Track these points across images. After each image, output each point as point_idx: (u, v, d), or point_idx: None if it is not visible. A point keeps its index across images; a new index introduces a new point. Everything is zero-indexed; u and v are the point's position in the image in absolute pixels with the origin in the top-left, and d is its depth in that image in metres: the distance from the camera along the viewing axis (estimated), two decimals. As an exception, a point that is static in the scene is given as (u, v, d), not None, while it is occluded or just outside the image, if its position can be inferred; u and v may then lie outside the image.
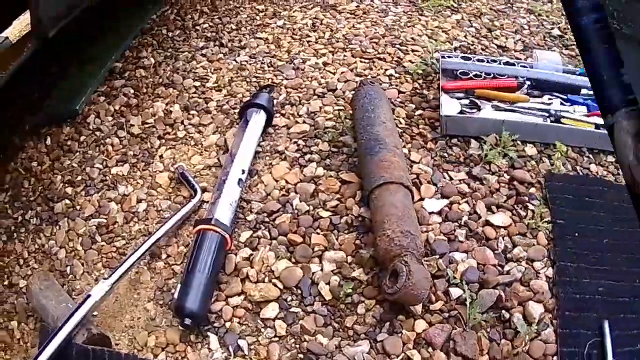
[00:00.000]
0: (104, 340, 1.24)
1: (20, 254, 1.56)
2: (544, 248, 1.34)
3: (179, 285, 1.26)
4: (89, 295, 1.23)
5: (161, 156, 1.65)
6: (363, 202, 1.41)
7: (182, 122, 1.74)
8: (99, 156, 1.70)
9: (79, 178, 1.66)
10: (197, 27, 2.07)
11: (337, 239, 1.36)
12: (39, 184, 1.70)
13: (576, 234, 1.39)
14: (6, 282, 1.52)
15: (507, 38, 1.92)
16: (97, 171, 1.66)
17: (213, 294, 1.29)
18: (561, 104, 1.66)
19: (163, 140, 1.70)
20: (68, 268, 1.45)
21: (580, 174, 1.54)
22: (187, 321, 1.22)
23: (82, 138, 1.78)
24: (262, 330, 1.25)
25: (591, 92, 1.69)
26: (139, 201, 1.54)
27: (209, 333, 1.24)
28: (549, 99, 1.66)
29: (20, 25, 1.91)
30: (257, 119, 1.59)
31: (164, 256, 1.41)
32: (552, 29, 2.01)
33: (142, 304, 1.33)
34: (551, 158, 1.55)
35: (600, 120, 1.61)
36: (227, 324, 1.26)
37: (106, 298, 1.27)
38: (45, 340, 1.15)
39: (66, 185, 1.66)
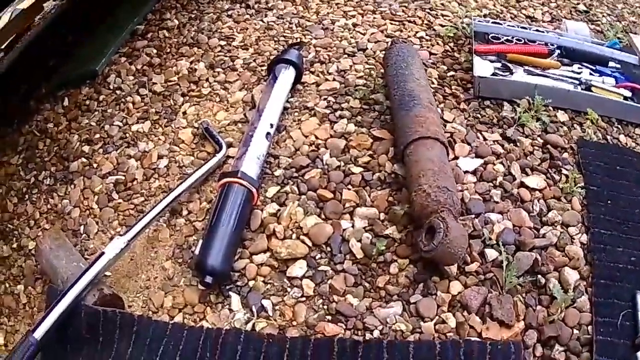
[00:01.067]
0: (116, 302, 1.08)
1: (31, 215, 1.41)
2: (578, 213, 1.19)
3: (200, 241, 1.11)
4: (102, 253, 1.07)
5: (184, 113, 1.48)
6: (396, 158, 1.24)
7: (207, 80, 1.56)
8: (118, 114, 1.54)
9: (97, 136, 1.49)
10: (222, -11, 1.90)
11: (369, 195, 1.20)
12: (55, 144, 1.55)
13: (609, 202, 1.24)
14: (15, 245, 1.38)
15: (534, 9, 1.77)
16: (116, 129, 1.49)
17: (237, 251, 1.13)
18: (590, 73, 1.52)
19: (187, 97, 1.52)
20: (82, 227, 1.30)
21: (611, 143, 1.40)
22: (208, 279, 1.05)
23: (101, 97, 1.62)
24: (288, 289, 1.09)
25: (618, 65, 1.57)
26: (160, 157, 1.37)
27: (230, 292, 1.08)
28: (579, 67, 1.52)
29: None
30: (286, 74, 1.42)
31: (184, 212, 1.25)
32: (578, 4, 1.86)
33: (160, 263, 1.17)
34: (582, 125, 1.40)
35: (626, 92, 1.48)
36: (251, 283, 1.10)
37: (121, 256, 1.10)
38: (53, 302, 0.98)
39: (83, 144, 1.49)
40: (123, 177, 1.37)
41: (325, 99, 1.41)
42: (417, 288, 1.06)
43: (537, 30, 1.57)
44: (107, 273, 1.15)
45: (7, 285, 1.31)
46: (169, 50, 1.71)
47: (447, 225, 1.01)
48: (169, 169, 1.35)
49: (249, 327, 1.04)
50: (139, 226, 1.13)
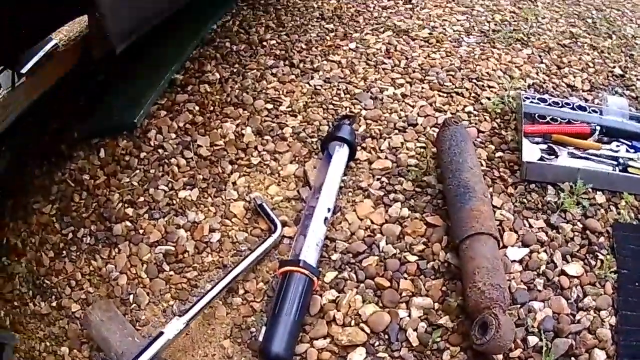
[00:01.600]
0: None
1: (71, 274, 1.50)
2: (610, 297, 1.39)
3: (263, 327, 1.25)
4: (161, 333, 1.19)
5: (234, 183, 1.61)
6: (449, 248, 1.43)
7: (255, 148, 1.69)
8: (163, 177, 1.61)
9: (141, 199, 1.58)
10: (264, 43, 2.02)
11: (424, 285, 1.38)
12: (93, 200, 1.61)
13: (637, 284, 1.48)
14: (54, 304, 1.47)
15: (574, 76, 1.93)
16: (162, 193, 1.58)
17: (298, 336, 1.28)
18: (627, 150, 1.72)
19: (235, 166, 1.64)
20: (131, 297, 1.41)
21: (644, 225, 1.61)
22: None
23: (142, 155, 1.71)
24: None
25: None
26: (212, 230, 1.49)
27: None
28: (617, 145, 1.72)
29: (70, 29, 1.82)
30: (341, 153, 1.57)
31: (241, 292, 1.39)
32: (614, 67, 2.02)
33: (217, 341, 1.31)
34: (618, 206, 1.61)
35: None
36: None
37: (179, 336, 1.24)
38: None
39: (126, 205, 1.58)
40: (173, 248, 1.48)
41: (378, 179, 1.59)
42: (465, 375, 1.24)
43: (579, 107, 1.74)
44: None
45: (48, 343, 1.41)
46: (212, 108, 1.83)
47: (499, 321, 1.22)
48: (222, 244, 1.48)
49: None
50: (197, 307, 1.26)
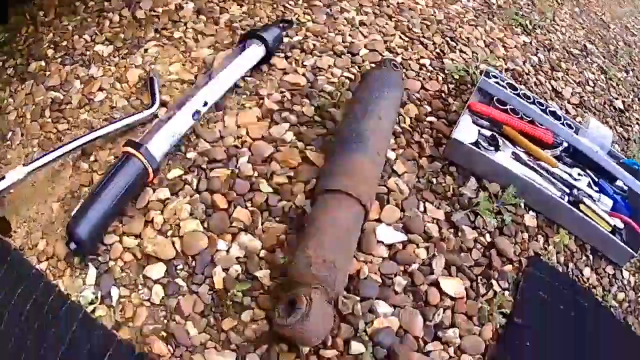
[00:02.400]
0: (3, 224, 0.86)
1: None
2: (484, 343, 0.79)
3: (80, 202, 0.84)
4: (3, 177, 0.84)
5: (146, 50, 1.10)
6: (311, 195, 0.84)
7: (185, 24, 1.15)
8: (92, 28, 1.17)
9: (64, 43, 1.15)
10: None
11: (262, 223, 0.83)
12: (31, 37, 1.21)
13: (528, 343, 0.80)
14: None
15: (566, 85, 1.19)
16: (82, 42, 1.13)
17: (111, 224, 0.83)
18: (589, 184, 0.98)
19: (157, 35, 1.13)
20: (10, 133, 1.01)
21: (570, 273, 0.91)
22: (72, 246, 0.81)
23: (91, 3, 1.23)
24: (140, 287, 0.79)
25: (625, 187, 1.02)
26: (100, 89, 1.03)
27: (90, 264, 0.81)
28: (579, 174, 0.99)
29: None
30: (253, 51, 1.00)
31: (92, 159, 0.94)
32: (617, 99, 1.25)
33: (51, 201, 0.89)
34: (548, 240, 0.91)
35: (619, 223, 0.95)
36: (111, 264, 0.82)
37: (19, 184, 0.85)
38: None
39: (51, 46, 1.16)
40: (62, 97, 1.06)
41: (281, 93, 0.98)
42: (259, 348, 0.72)
43: (553, 113, 1.01)
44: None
45: None
46: (175, -28, 1.24)
47: (312, 306, 0.67)
48: (102, 105, 1.02)
49: (90, 308, 0.77)
50: (42, 160, 0.88)
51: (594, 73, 1.30)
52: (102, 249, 0.81)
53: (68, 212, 0.87)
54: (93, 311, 0.76)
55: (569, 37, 1.37)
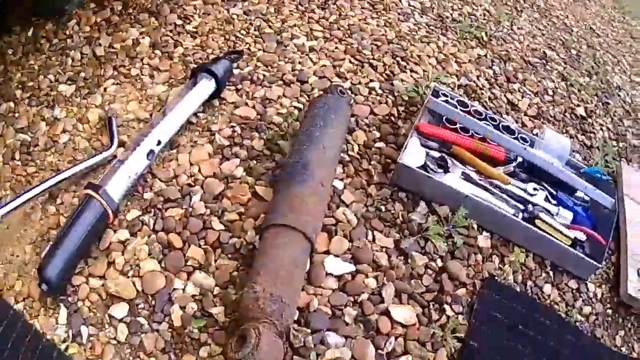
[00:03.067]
0: None
1: None
2: None
3: (48, 245, 0.86)
4: None
5: (105, 89, 1.12)
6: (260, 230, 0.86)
7: (142, 60, 1.17)
8: (56, 67, 1.19)
9: (31, 84, 1.16)
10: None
11: (215, 261, 0.86)
12: (1, 76, 1.22)
13: (485, 368, 0.81)
14: None
15: (523, 96, 1.18)
16: (47, 82, 1.15)
17: (77, 265, 0.86)
18: (546, 198, 0.99)
19: (116, 73, 1.15)
20: None
21: (529, 292, 0.92)
22: (44, 287, 0.85)
23: (54, 41, 1.26)
24: (106, 326, 0.83)
25: (587, 197, 1.01)
26: (64, 131, 1.06)
27: (61, 304, 0.84)
28: (534, 189, 0.99)
29: None
30: (203, 87, 1.01)
31: (58, 202, 0.97)
32: (579, 106, 1.24)
33: (24, 244, 0.92)
34: (503, 260, 0.92)
35: (580, 235, 0.95)
36: (79, 304, 0.85)
37: None
38: None
39: (19, 86, 1.17)
40: (30, 139, 1.07)
41: (232, 127, 1.00)
42: (216, 384, 0.73)
43: (506, 128, 1.01)
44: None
45: None
46: (131, 11, 1.28)
47: (260, 341, 0.69)
48: (66, 147, 1.04)
49: (63, 347, 0.81)
50: (13, 204, 0.90)
51: (553, 81, 1.30)
52: (71, 290, 0.85)
53: (39, 254, 0.90)
54: (66, 349, 0.80)
55: (527, 45, 1.38)
